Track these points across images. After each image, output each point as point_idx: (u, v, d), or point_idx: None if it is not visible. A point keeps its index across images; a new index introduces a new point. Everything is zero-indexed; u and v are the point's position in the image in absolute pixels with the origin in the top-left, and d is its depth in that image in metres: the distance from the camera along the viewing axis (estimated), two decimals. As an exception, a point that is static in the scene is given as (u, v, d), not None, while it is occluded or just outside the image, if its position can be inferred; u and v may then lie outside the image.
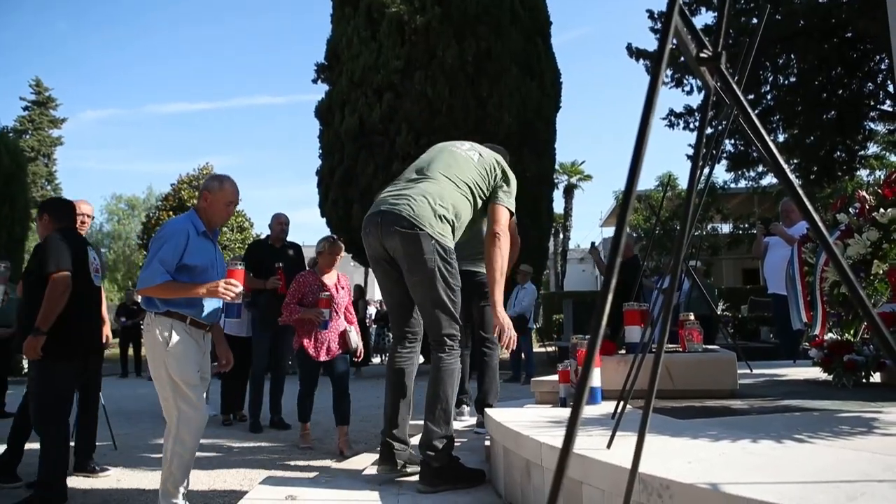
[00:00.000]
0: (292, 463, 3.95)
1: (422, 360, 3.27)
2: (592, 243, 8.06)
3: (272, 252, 5.44)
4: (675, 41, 0.87)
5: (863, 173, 18.39)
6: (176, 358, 2.71)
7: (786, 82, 13.45)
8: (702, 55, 0.81)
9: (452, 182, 2.63)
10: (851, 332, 3.09)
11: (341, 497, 2.53)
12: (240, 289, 2.82)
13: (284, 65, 69.45)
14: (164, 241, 2.77)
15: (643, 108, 0.69)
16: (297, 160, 61.93)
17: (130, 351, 12.17)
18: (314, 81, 12.70)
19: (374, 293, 20.00)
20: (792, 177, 0.75)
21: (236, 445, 4.65)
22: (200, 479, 3.49)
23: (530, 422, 2.38)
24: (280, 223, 5.59)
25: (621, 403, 1.92)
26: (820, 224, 0.77)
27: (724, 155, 14.12)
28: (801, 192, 0.74)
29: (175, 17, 65.92)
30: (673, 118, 14.16)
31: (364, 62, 10.95)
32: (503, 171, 2.81)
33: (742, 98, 0.82)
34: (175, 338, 2.72)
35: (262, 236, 6.78)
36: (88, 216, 3.97)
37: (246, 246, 8.92)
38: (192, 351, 2.78)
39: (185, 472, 2.75)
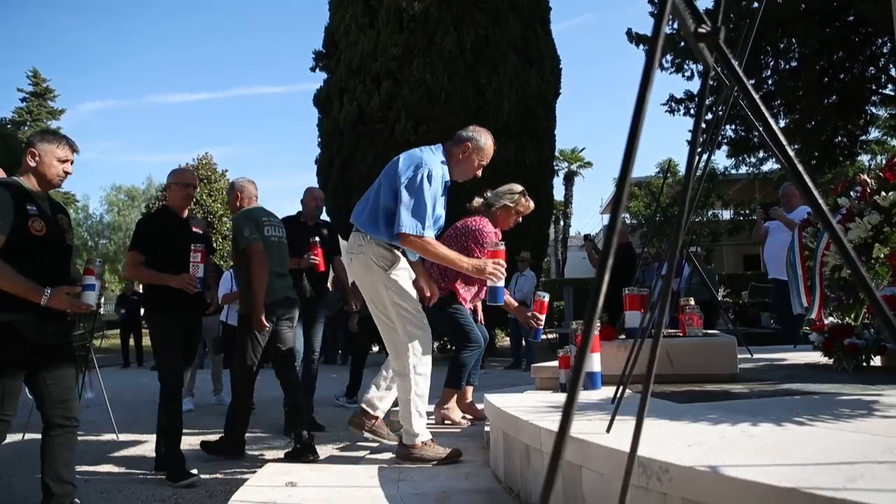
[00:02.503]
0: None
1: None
2: (586, 236, 7.95)
3: (305, 231, 4.58)
4: (674, 22, 0.86)
5: (864, 158, 18.32)
6: (399, 278, 2.70)
7: (787, 67, 13.37)
8: (700, 30, 0.80)
9: None
10: (852, 315, 3.08)
11: (342, 483, 2.53)
12: (504, 269, 2.79)
13: (285, 54, 69.28)
14: (427, 181, 2.54)
15: (640, 84, 0.67)
16: (296, 149, 62.05)
17: (131, 341, 12.31)
18: (312, 70, 12.63)
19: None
20: (791, 153, 0.74)
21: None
22: (203, 466, 3.50)
23: (530, 407, 2.38)
24: (314, 198, 4.78)
25: (621, 388, 1.92)
26: (821, 202, 0.75)
27: (725, 141, 14.07)
28: (801, 169, 0.73)
29: (174, 6, 65.70)
30: (673, 103, 14.10)
31: (362, 50, 10.87)
32: None
33: (741, 73, 0.81)
34: (394, 264, 2.70)
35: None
36: (194, 187, 3.62)
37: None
38: (407, 276, 2.78)
39: (425, 402, 2.75)
